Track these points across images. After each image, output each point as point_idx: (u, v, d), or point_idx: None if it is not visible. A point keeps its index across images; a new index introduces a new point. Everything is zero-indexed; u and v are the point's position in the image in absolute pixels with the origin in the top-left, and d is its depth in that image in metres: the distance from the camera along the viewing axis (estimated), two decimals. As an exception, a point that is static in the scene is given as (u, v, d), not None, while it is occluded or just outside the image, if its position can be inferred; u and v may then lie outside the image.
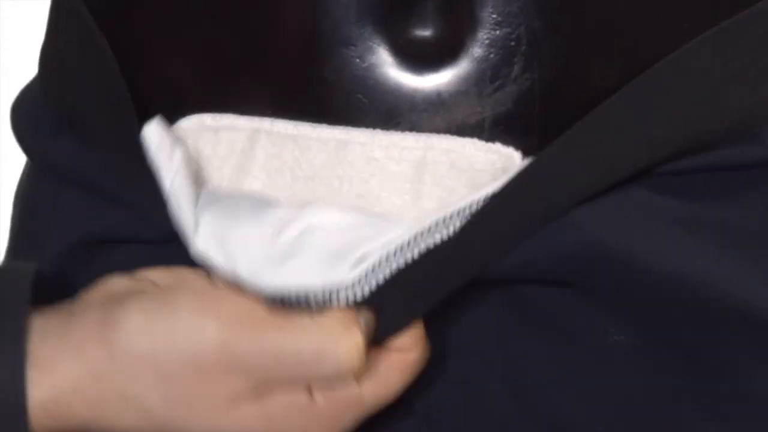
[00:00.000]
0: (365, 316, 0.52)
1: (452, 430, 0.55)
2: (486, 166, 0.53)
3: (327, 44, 0.53)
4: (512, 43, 0.52)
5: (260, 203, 0.54)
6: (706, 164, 0.53)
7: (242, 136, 0.54)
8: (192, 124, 0.55)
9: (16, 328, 0.50)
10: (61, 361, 0.51)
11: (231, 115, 0.55)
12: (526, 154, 0.53)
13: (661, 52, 0.53)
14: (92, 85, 0.57)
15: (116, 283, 0.54)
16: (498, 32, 0.52)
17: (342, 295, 0.52)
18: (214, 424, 0.51)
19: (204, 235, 0.54)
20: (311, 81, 0.53)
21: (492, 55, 0.52)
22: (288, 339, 0.50)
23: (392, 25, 0.53)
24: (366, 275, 0.52)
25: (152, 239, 0.56)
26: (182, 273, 0.54)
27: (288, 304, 0.53)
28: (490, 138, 0.53)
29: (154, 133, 0.55)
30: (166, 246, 0.56)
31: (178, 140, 0.55)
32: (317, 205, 0.54)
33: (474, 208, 0.52)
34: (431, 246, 0.52)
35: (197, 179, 0.56)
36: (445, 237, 0.52)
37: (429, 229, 0.52)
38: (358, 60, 0.53)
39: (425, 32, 0.53)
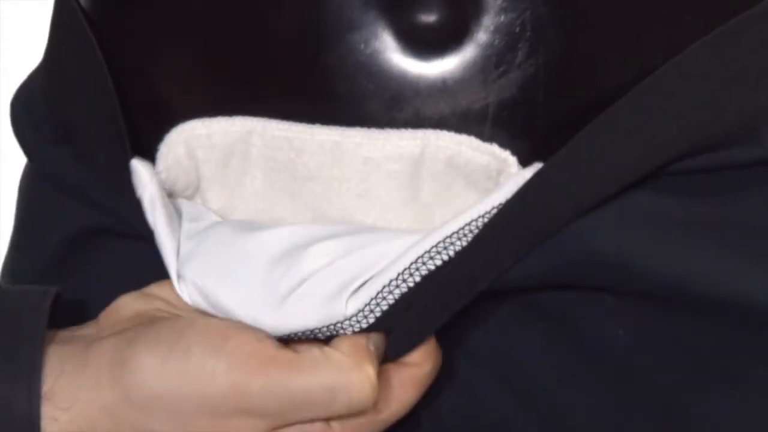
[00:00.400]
0: (374, 340, 0.52)
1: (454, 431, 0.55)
2: (481, 166, 0.53)
3: (331, 30, 0.53)
4: (517, 29, 0.52)
5: (241, 238, 0.54)
6: (706, 165, 0.53)
7: (236, 139, 0.54)
8: (184, 132, 0.55)
9: (31, 360, 0.50)
10: (78, 399, 0.51)
11: (222, 119, 0.54)
12: (529, 140, 0.53)
13: (666, 39, 0.53)
14: (88, 107, 0.58)
15: (128, 306, 0.54)
16: (503, 18, 0.52)
17: (347, 326, 0.52)
18: None
19: (190, 293, 0.54)
20: (315, 67, 0.53)
21: (497, 41, 0.52)
22: (299, 380, 0.50)
23: (397, 11, 0.52)
24: (370, 302, 0.52)
25: (149, 237, 0.56)
26: None
27: (295, 336, 0.53)
28: (494, 123, 0.53)
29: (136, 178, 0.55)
30: None
31: (154, 179, 0.55)
32: (304, 229, 0.54)
33: (474, 225, 0.52)
34: (434, 267, 0.52)
35: (191, 188, 0.56)
36: (446, 258, 0.52)
37: (430, 251, 0.52)
38: (362, 46, 0.53)
39: (430, 18, 0.52)
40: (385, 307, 0.52)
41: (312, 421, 0.51)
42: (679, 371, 0.53)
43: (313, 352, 0.51)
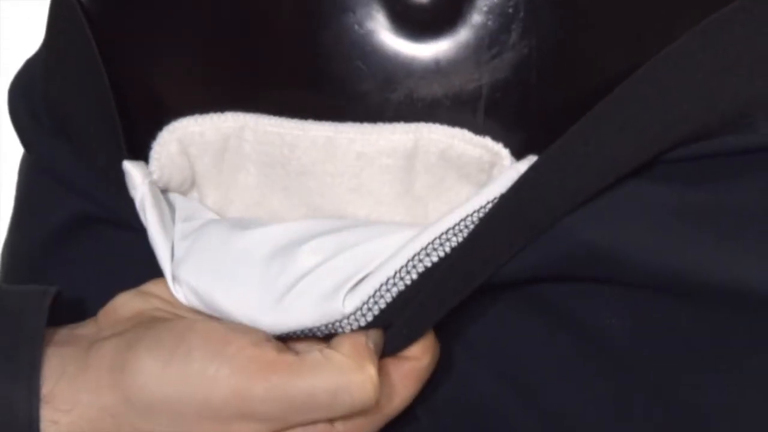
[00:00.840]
0: (373, 337, 0.53)
1: (453, 426, 0.55)
2: (474, 159, 0.53)
3: (325, 10, 0.53)
4: (510, 10, 0.52)
5: (234, 237, 0.54)
6: (700, 153, 0.53)
7: (229, 134, 0.54)
8: (176, 130, 0.55)
9: (31, 361, 0.50)
10: (79, 401, 0.51)
11: (213, 115, 0.54)
12: (523, 126, 0.53)
13: (660, 21, 0.53)
14: (84, 104, 0.58)
15: (126, 305, 0.54)
16: None
17: (345, 324, 0.52)
18: None
19: (185, 294, 0.54)
20: (309, 48, 0.53)
21: (490, 22, 0.52)
22: (301, 384, 0.50)
23: (390, -9, 0.53)
24: (368, 300, 0.52)
25: (143, 228, 0.56)
26: None
27: (293, 335, 0.53)
28: (487, 105, 0.53)
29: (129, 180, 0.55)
30: None
31: (146, 181, 0.55)
32: (298, 225, 0.54)
33: (469, 220, 0.52)
34: (431, 264, 0.52)
35: (186, 185, 0.57)
36: (443, 254, 0.52)
37: (427, 247, 0.52)
38: (356, 26, 0.53)
39: None
40: (383, 305, 0.52)
41: (314, 422, 0.52)
42: (676, 360, 0.53)
43: (314, 354, 0.51)
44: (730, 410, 0.53)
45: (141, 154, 0.56)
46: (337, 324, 0.52)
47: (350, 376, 0.51)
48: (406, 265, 0.52)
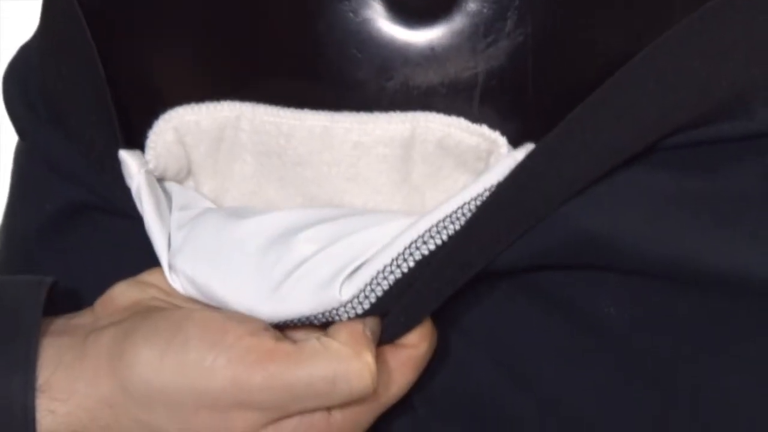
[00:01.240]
0: (370, 325, 0.52)
1: (449, 414, 0.55)
2: (471, 148, 0.53)
3: None
4: None
5: (231, 226, 0.54)
6: (698, 140, 0.53)
7: (225, 124, 0.54)
8: (172, 118, 0.55)
9: (27, 352, 0.50)
10: (76, 391, 0.51)
11: (210, 104, 0.54)
12: (519, 114, 0.53)
13: (656, 9, 0.53)
14: (79, 93, 0.58)
15: (123, 294, 0.54)
16: None
17: (342, 312, 0.52)
18: None
19: (182, 284, 0.54)
20: (305, 36, 0.53)
21: (485, 10, 0.52)
22: (299, 372, 0.50)
23: (385, -21, 0.53)
24: (365, 288, 0.52)
25: (139, 217, 0.56)
26: None
27: (291, 323, 0.53)
28: (483, 93, 0.53)
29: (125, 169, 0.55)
30: None
31: (142, 170, 0.55)
32: (294, 213, 0.54)
33: (466, 208, 0.52)
34: (428, 252, 0.52)
35: (182, 174, 0.56)
36: (440, 242, 0.52)
37: (424, 235, 0.52)
38: (351, 14, 0.53)
39: None
40: (380, 293, 0.52)
41: (312, 411, 0.51)
42: (675, 347, 0.53)
43: (312, 343, 0.51)
44: (729, 397, 0.53)
45: (137, 143, 0.56)
46: (334, 312, 0.52)
47: (348, 364, 0.50)
48: (403, 253, 0.52)
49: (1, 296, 0.52)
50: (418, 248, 0.52)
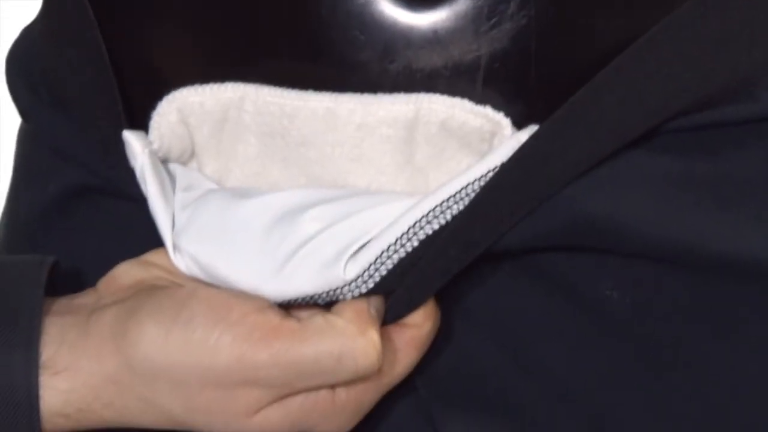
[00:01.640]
0: (375, 304, 0.53)
1: (451, 396, 0.55)
2: (475, 129, 0.53)
3: None
4: None
5: (235, 206, 0.54)
6: (701, 123, 0.53)
7: (228, 105, 0.54)
8: (176, 100, 0.55)
9: (29, 329, 0.50)
10: (80, 368, 0.51)
11: (213, 85, 0.54)
12: (522, 96, 0.53)
13: None
14: (83, 76, 0.58)
15: (127, 274, 0.54)
16: None
17: (347, 291, 0.52)
18: (237, 427, 0.51)
19: (186, 264, 0.54)
20: (307, 18, 0.53)
21: None
22: (304, 349, 0.50)
23: (388, -39, 0.53)
24: (369, 267, 0.52)
25: (142, 199, 0.56)
26: None
27: (295, 302, 0.53)
28: (486, 76, 0.53)
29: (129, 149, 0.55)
30: None
31: (146, 150, 0.55)
32: (299, 193, 0.54)
33: (470, 188, 0.52)
34: (432, 231, 0.52)
35: (186, 155, 0.56)
36: (443, 222, 0.52)
37: (428, 215, 0.52)
38: None
39: None
40: (384, 272, 0.52)
41: (317, 388, 0.51)
42: (677, 331, 0.53)
43: (317, 320, 0.51)
44: (732, 381, 0.53)
45: (140, 125, 0.56)
46: (339, 291, 0.52)
47: (353, 341, 0.50)
48: (408, 232, 0.52)
49: (2, 275, 0.52)
50: (422, 228, 0.52)
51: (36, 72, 0.61)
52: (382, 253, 0.52)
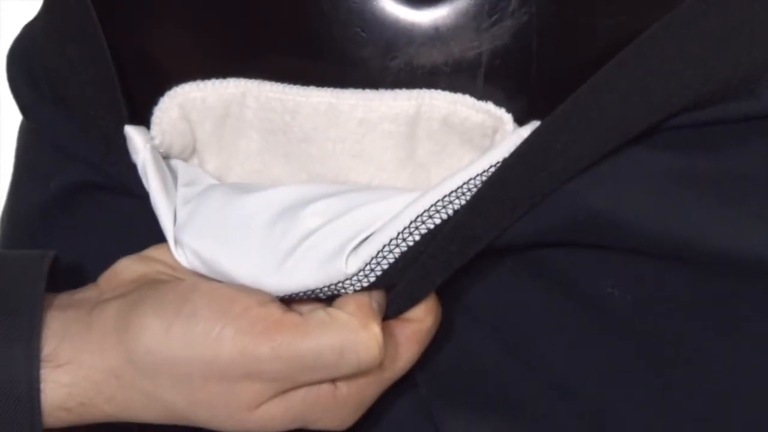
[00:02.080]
0: (377, 298, 0.53)
1: (451, 392, 0.55)
2: (477, 125, 0.53)
3: None
4: None
5: (237, 200, 0.54)
6: (702, 120, 0.53)
7: (230, 101, 0.54)
8: (178, 95, 0.55)
9: (30, 323, 0.50)
10: (82, 362, 0.50)
11: (216, 81, 0.54)
12: (524, 93, 0.53)
13: None
14: (84, 71, 0.58)
15: (128, 269, 0.54)
16: None
17: (348, 285, 0.52)
18: (239, 421, 0.51)
19: (188, 258, 0.54)
20: (309, 14, 0.53)
21: None
22: (307, 342, 0.50)
23: (390, -42, 0.53)
24: (371, 261, 0.52)
25: (146, 197, 0.56)
26: None
27: (297, 297, 0.53)
28: (487, 73, 0.53)
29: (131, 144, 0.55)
30: None
31: (148, 145, 0.55)
32: (301, 188, 0.54)
33: (472, 183, 0.52)
34: (434, 226, 0.52)
35: (187, 151, 0.56)
36: (445, 216, 0.52)
37: (430, 209, 0.52)
38: None
39: None
40: (385, 266, 0.52)
41: (319, 382, 0.51)
42: (678, 328, 0.53)
43: (319, 313, 0.51)
44: (733, 378, 0.53)
45: (142, 121, 0.56)
46: (340, 285, 0.52)
47: (355, 334, 0.50)
48: (409, 227, 0.52)
49: (3, 270, 0.52)
50: (423, 222, 0.52)
51: (37, 69, 0.61)
52: (384, 247, 0.52)
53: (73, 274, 0.57)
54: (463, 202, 0.52)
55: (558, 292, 0.54)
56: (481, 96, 0.53)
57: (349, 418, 0.53)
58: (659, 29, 0.52)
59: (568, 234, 0.52)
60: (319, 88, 0.53)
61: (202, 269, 0.54)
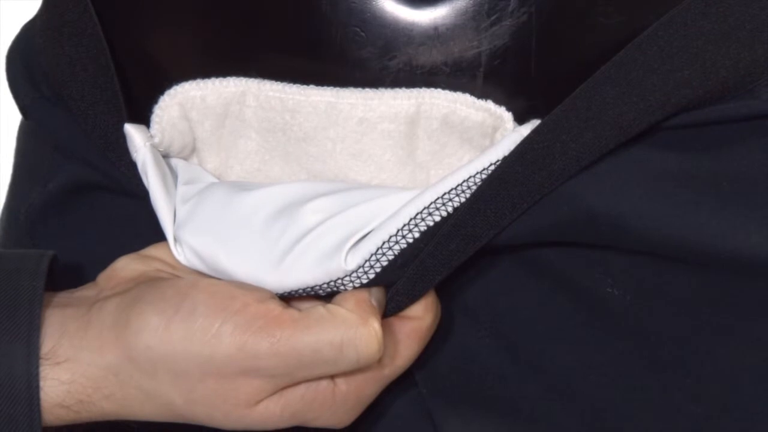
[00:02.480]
0: (376, 294, 0.53)
1: (450, 392, 0.55)
2: (477, 124, 0.53)
3: None
4: None
5: (236, 198, 0.54)
6: (702, 120, 0.53)
7: (230, 100, 0.55)
8: (178, 94, 0.55)
9: (30, 320, 0.50)
10: (80, 360, 0.51)
11: (215, 80, 0.55)
12: (523, 92, 0.53)
13: None
14: (84, 70, 0.58)
15: (127, 267, 0.54)
16: None
17: (348, 282, 0.52)
18: (237, 418, 0.51)
19: (187, 256, 0.54)
20: (309, 13, 0.53)
21: None
22: (306, 338, 0.50)
23: (389, -42, 0.53)
24: (370, 258, 0.52)
25: (146, 196, 0.56)
26: None
27: (296, 294, 0.53)
28: (487, 72, 0.53)
29: (131, 143, 0.55)
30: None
31: (148, 143, 0.55)
32: (300, 186, 0.54)
33: (471, 181, 0.52)
34: (433, 223, 0.52)
35: (187, 150, 0.56)
36: (445, 214, 0.52)
37: (429, 206, 0.52)
38: None
39: None
40: (384, 263, 0.52)
41: (318, 379, 0.51)
42: (677, 327, 0.53)
43: (318, 310, 0.51)
44: (733, 378, 0.53)
45: (142, 119, 0.56)
46: (340, 282, 0.52)
47: (355, 330, 0.50)
48: (409, 224, 0.52)
49: (2, 268, 0.52)
50: (423, 219, 0.52)
51: (37, 68, 0.61)
52: (383, 243, 0.52)
53: (73, 273, 0.57)
54: (463, 199, 0.52)
55: (557, 292, 0.54)
56: (480, 95, 0.53)
57: (348, 415, 0.53)
58: (658, 28, 0.52)
59: (567, 233, 0.52)
60: (319, 87, 0.53)
61: (201, 267, 0.54)
